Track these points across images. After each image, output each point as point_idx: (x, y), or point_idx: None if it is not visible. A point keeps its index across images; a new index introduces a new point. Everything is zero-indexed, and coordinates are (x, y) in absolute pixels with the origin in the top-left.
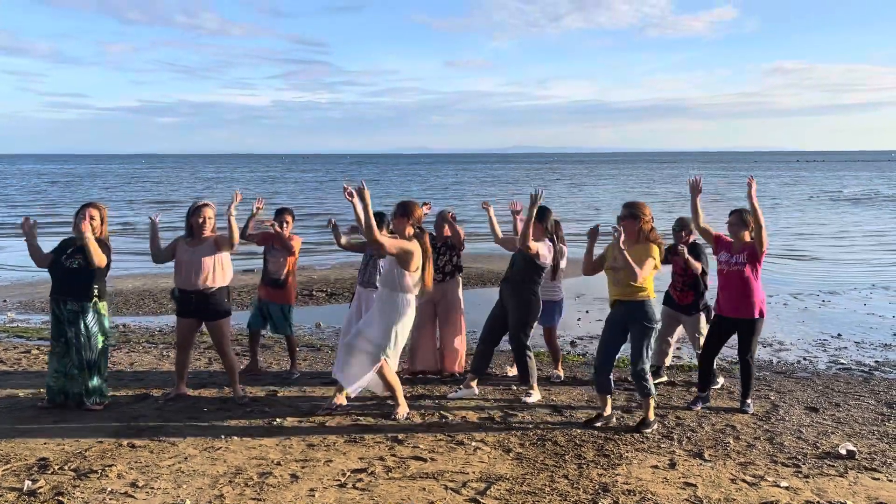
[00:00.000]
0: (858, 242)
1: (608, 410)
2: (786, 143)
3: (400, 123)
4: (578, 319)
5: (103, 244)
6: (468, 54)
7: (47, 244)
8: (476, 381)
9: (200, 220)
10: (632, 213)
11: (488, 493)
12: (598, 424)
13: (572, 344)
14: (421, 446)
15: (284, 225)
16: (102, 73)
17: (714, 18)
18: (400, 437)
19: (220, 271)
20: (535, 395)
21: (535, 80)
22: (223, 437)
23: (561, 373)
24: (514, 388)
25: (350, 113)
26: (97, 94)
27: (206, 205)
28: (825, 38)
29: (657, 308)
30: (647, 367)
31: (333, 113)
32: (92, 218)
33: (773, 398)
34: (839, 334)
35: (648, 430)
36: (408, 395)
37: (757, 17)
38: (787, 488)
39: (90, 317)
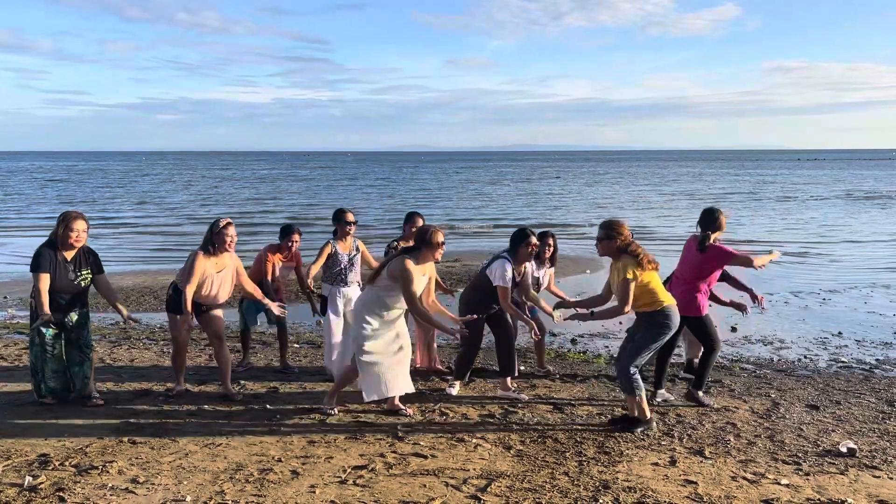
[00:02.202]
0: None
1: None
2: (787, 141)
3: (401, 121)
4: None
5: (90, 253)
6: (470, 52)
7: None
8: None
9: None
10: (608, 235)
11: (489, 489)
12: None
13: (573, 342)
14: (421, 443)
15: (292, 244)
16: (103, 70)
17: (716, 17)
18: (400, 433)
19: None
20: (456, 388)
21: (537, 78)
22: (224, 433)
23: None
24: (515, 385)
25: (351, 111)
26: (98, 91)
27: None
28: (827, 37)
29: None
30: (631, 363)
31: (334, 111)
32: (83, 231)
33: (773, 396)
34: (840, 332)
35: (639, 430)
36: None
37: (759, 16)
38: (787, 486)
39: (88, 317)
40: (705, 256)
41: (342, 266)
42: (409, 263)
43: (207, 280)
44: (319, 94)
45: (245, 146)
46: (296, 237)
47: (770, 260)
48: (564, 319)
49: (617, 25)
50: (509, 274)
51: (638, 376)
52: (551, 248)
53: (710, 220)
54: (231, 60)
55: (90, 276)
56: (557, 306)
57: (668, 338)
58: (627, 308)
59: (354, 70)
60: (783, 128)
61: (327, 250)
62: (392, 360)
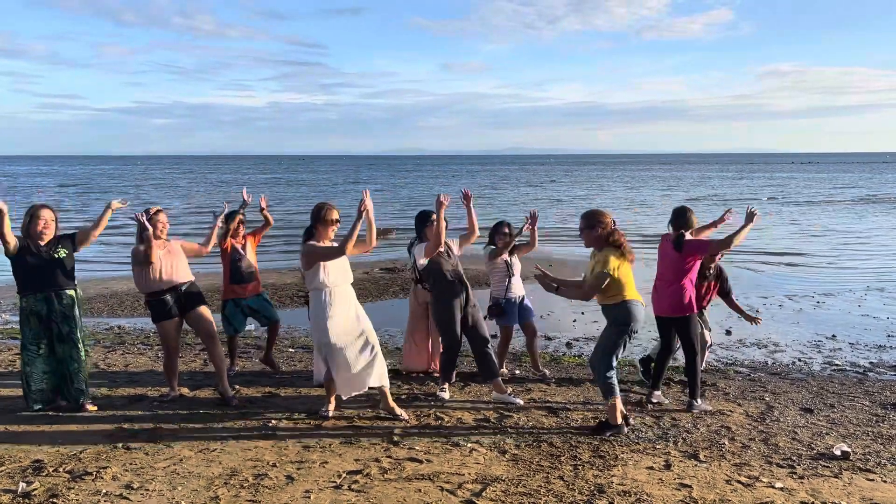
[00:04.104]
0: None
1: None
2: (781, 144)
3: (396, 125)
4: (574, 321)
5: (65, 236)
6: (465, 56)
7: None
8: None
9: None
10: (589, 224)
11: (484, 494)
12: (608, 433)
13: (568, 345)
14: (417, 448)
15: (240, 226)
16: (98, 74)
17: (710, 21)
18: (396, 438)
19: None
20: (446, 393)
21: (532, 82)
22: (218, 438)
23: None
24: (510, 389)
25: (346, 115)
26: (92, 95)
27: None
28: (820, 41)
29: (638, 311)
30: (606, 366)
31: (329, 115)
32: (50, 220)
33: (767, 399)
34: (834, 335)
35: (608, 434)
36: (402, 395)
37: (753, 20)
38: (781, 489)
39: (77, 306)
40: (683, 253)
41: None
42: (310, 242)
43: (156, 261)
44: (315, 98)
45: (240, 150)
46: (240, 217)
47: (746, 233)
48: (535, 275)
49: (612, 29)
50: (422, 250)
51: (615, 379)
52: (509, 237)
53: (681, 218)
54: (226, 64)
55: (65, 251)
56: (538, 276)
57: (631, 334)
58: (591, 296)
59: (350, 74)
60: (777, 131)
61: None
62: (361, 356)
